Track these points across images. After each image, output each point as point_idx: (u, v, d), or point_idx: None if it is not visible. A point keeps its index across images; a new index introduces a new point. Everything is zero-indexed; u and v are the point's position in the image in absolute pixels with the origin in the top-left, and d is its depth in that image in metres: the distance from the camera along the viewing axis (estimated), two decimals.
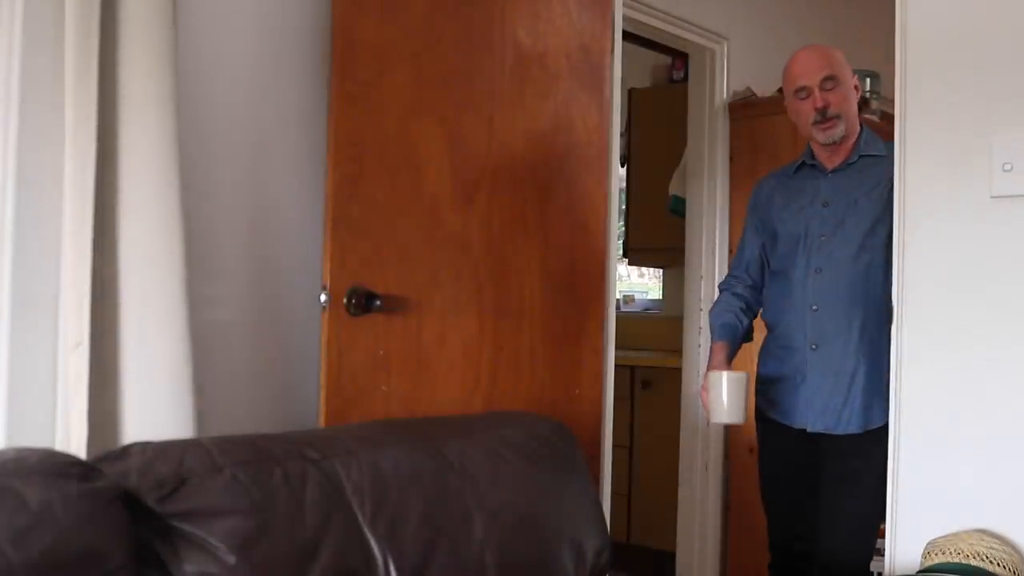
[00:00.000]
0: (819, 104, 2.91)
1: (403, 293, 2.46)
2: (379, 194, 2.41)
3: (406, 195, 2.48)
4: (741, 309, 3.13)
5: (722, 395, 2.83)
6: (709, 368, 3.03)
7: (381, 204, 2.42)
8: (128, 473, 1.53)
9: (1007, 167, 2.37)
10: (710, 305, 4.24)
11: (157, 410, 1.94)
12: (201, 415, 2.00)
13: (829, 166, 2.99)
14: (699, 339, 4.31)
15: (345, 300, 2.32)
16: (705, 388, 2.90)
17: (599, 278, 3.08)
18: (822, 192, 2.98)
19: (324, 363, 2.30)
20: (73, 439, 1.81)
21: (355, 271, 2.35)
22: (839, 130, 2.91)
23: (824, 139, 2.93)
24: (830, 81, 2.92)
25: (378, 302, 2.34)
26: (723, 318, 3.16)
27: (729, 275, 3.26)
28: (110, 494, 1.44)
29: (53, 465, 1.43)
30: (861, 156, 2.95)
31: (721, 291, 3.27)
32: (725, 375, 2.84)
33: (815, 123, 2.92)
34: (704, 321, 4.29)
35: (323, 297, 2.30)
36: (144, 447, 1.60)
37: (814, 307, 2.93)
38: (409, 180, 2.49)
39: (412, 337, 2.48)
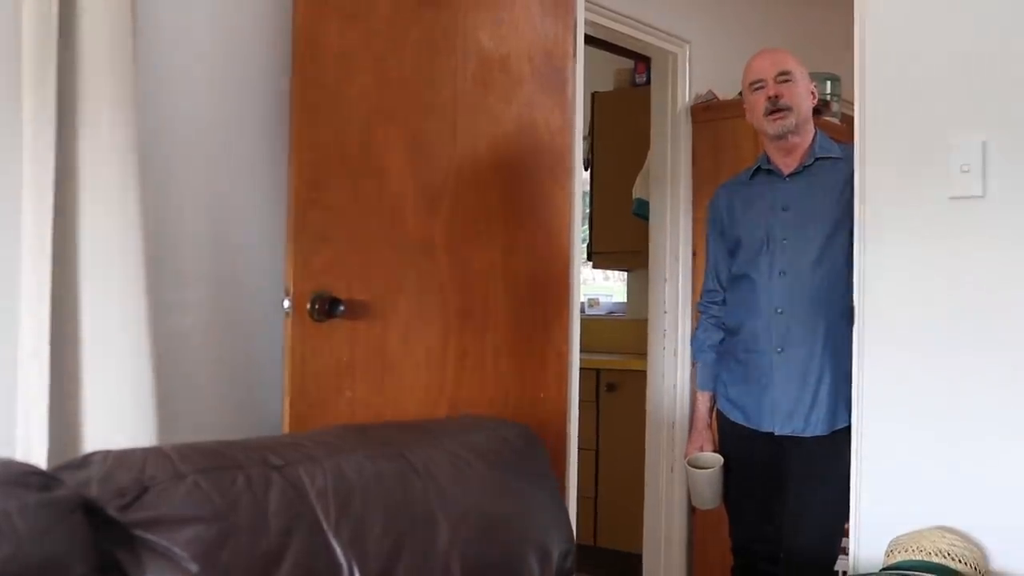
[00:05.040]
0: (771, 93, 2.96)
1: (367, 298, 2.45)
2: (342, 199, 2.41)
3: (369, 200, 2.47)
4: (721, 341, 3.17)
5: (705, 491, 3.10)
6: (692, 429, 3.28)
7: (344, 209, 2.41)
8: (89, 482, 1.52)
9: (965, 168, 2.39)
10: (674, 308, 4.30)
11: (119, 418, 1.93)
12: (164, 422, 1.99)
13: (786, 171, 3.03)
14: (663, 342, 4.32)
15: (308, 306, 2.31)
16: (690, 450, 3.21)
17: (563, 281, 3.08)
18: (781, 197, 3.01)
19: (288, 369, 2.29)
20: (34, 449, 1.79)
21: (318, 277, 2.34)
22: (789, 121, 2.95)
23: (774, 130, 2.97)
24: (784, 75, 2.98)
25: (342, 307, 2.33)
26: (705, 356, 3.23)
27: (705, 291, 3.28)
28: (70, 503, 1.43)
29: (11, 475, 1.41)
30: (817, 159, 2.99)
31: (701, 312, 3.29)
32: (706, 476, 3.07)
33: (766, 113, 2.97)
34: (668, 324, 4.32)
35: (286, 303, 2.29)
36: (105, 455, 1.58)
37: (779, 310, 2.95)
38: (372, 185, 2.48)
39: (376, 342, 2.48)
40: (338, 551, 1.71)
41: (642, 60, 4.99)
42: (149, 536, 1.51)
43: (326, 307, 2.32)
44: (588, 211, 5.49)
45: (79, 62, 1.92)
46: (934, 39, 2.48)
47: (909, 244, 2.49)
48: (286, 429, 2.27)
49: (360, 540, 1.75)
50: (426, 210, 2.61)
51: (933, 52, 2.48)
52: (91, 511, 1.47)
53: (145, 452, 1.63)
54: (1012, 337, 2.35)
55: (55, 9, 1.86)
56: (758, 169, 3.11)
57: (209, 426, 2.25)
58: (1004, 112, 2.38)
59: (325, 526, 1.72)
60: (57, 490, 1.44)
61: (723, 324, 3.17)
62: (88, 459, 1.58)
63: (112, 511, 1.50)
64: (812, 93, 3.07)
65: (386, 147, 2.52)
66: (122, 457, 1.59)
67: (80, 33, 1.92)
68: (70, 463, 1.60)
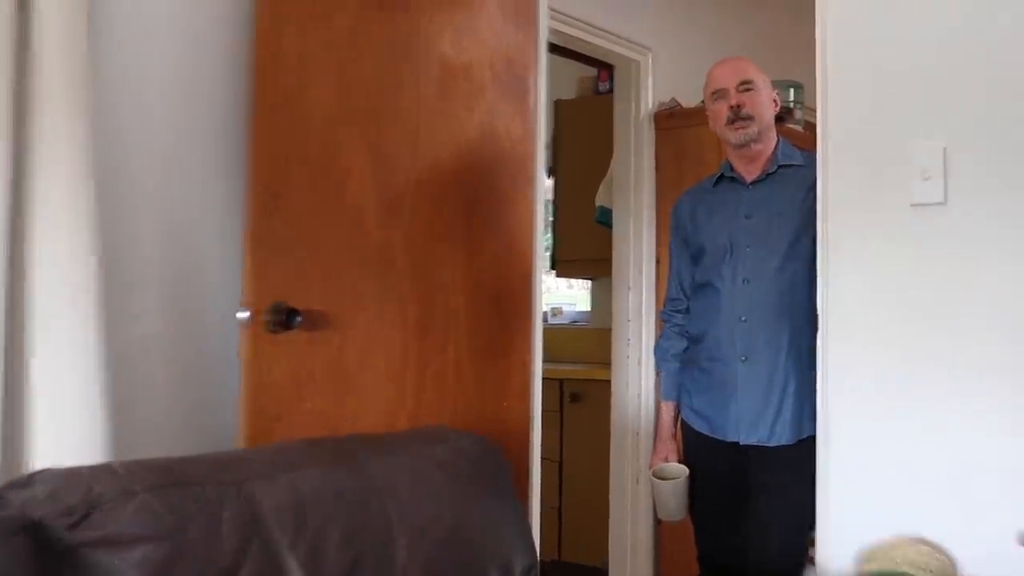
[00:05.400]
0: (733, 102, 2.96)
1: (326, 309, 2.41)
2: (301, 207, 2.37)
3: (329, 209, 2.44)
4: (684, 350, 3.15)
5: (670, 502, 3.07)
6: (656, 439, 3.25)
7: (303, 218, 2.37)
8: (34, 501, 1.47)
9: (926, 176, 2.40)
10: (638, 317, 4.28)
11: (69, 431, 1.88)
12: (119, 433, 1.95)
13: (749, 178, 3.02)
14: (628, 351, 4.31)
15: (265, 316, 2.26)
16: (655, 461, 3.18)
17: (526, 290, 3.05)
18: (744, 204, 3.01)
19: (244, 381, 2.25)
20: None
21: (276, 287, 2.30)
22: (752, 130, 2.96)
23: (736, 139, 2.97)
24: (746, 84, 2.98)
25: (299, 318, 2.29)
26: (668, 365, 3.21)
27: (668, 300, 3.27)
28: (15, 524, 1.38)
29: None
30: (780, 167, 2.99)
31: (664, 321, 3.28)
32: (671, 487, 3.05)
33: (728, 123, 2.97)
34: (632, 333, 4.30)
35: (243, 313, 2.24)
36: (51, 474, 1.53)
37: (743, 319, 2.94)
38: (332, 193, 2.45)
39: (335, 354, 2.44)
40: (294, 570, 1.67)
41: (605, 68, 4.99)
42: (98, 556, 1.46)
43: (283, 318, 2.28)
44: (552, 219, 5.47)
45: (33, 65, 1.89)
46: (896, 46, 2.48)
47: (872, 251, 2.49)
48: (242, 442, 2.23)
49: (317, 557, 1.71)
50: (387, 218, 2.57)
51: (895, 59, 2.48)
52: (37, 531, 1.42)
53: (93, 470, 1.58)
54: (976, 343, 2.34)
55: (8, 11, 1.83)
56: (721, 176, 3.11)
57: (163, 439, 2.21)
58: (965, 119, 2.38)
59: (281, 544, 1.67)
60: (1, 510, 1.39)
61: (687, 332, 3.16)
62: (33, 478, 1.53)
63: (59, 531, 1.45)
64: (775, 101, 3.07)
65: (347, 155, 2.49)
66: (69, 475, 1.54)
67: (35, 36, 1.90)
68: (15, 482, 1.54)
